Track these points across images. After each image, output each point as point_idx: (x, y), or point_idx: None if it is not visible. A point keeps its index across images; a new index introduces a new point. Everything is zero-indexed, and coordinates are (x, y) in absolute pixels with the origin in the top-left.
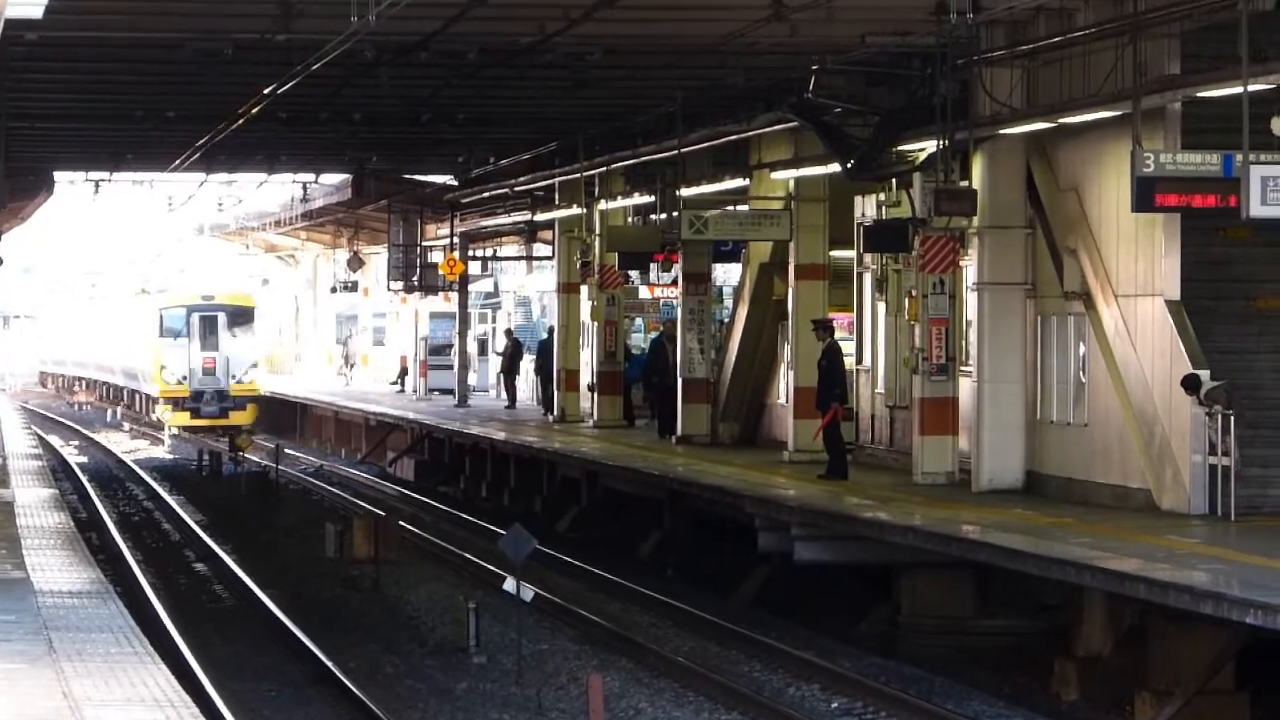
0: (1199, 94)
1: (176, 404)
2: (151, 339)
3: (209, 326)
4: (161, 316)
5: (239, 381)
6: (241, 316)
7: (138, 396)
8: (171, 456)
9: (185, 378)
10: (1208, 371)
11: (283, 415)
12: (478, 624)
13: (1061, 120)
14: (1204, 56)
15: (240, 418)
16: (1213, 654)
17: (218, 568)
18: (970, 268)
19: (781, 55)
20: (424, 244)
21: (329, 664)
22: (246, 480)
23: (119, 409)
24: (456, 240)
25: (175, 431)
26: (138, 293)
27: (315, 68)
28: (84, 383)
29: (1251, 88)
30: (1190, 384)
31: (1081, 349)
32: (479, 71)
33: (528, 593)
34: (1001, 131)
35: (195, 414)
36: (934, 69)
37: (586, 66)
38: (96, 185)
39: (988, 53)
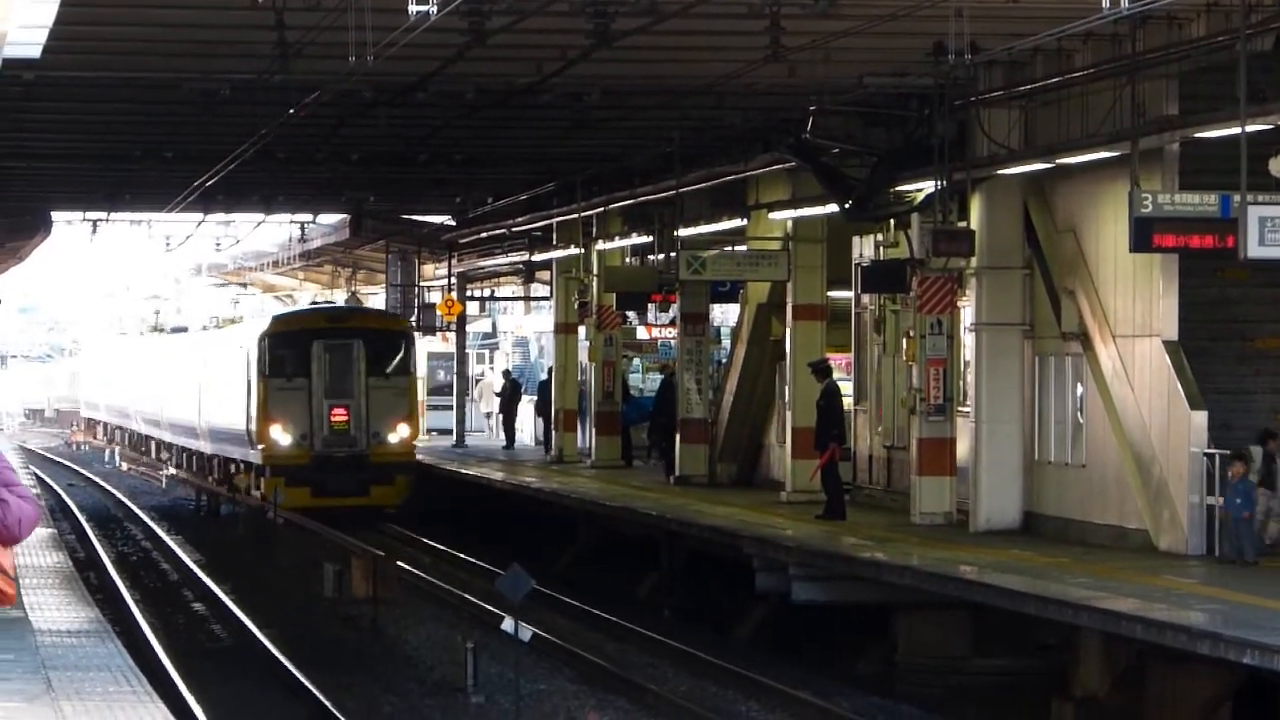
0: (1197, 135)
1: (291, 476)
2: (247, 380)
3: (341, 361)
4: (266, 346)
5: (383, 442)
6: (389, 346)
7: (223, 464)
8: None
9: (305, 437)
10: (1258, 449)
11: None
12: (476, 664)
13: (1059, 161)
14: (1202, 97)
15: (385, 495)
16: (1210, 694)
17: (216, 607)
18: (968, 308)
19: (779, 96)
20: (422, 284)
21: (327, 704)
22: (244, 519)
23: (169, 473)
24: (454, 280)
25: (282, 518)
26: (210, 323)
27: (313, 108)
28: (127, 437)
29: (1249, 128)
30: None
31: (1079, 389)
32: (476, 112)
33: (526, 633)
34: (999, 172)
35: (319, 490)
36: (932, 110)
37: (584, 107)
38: (94, 225)
39: (985, 94)
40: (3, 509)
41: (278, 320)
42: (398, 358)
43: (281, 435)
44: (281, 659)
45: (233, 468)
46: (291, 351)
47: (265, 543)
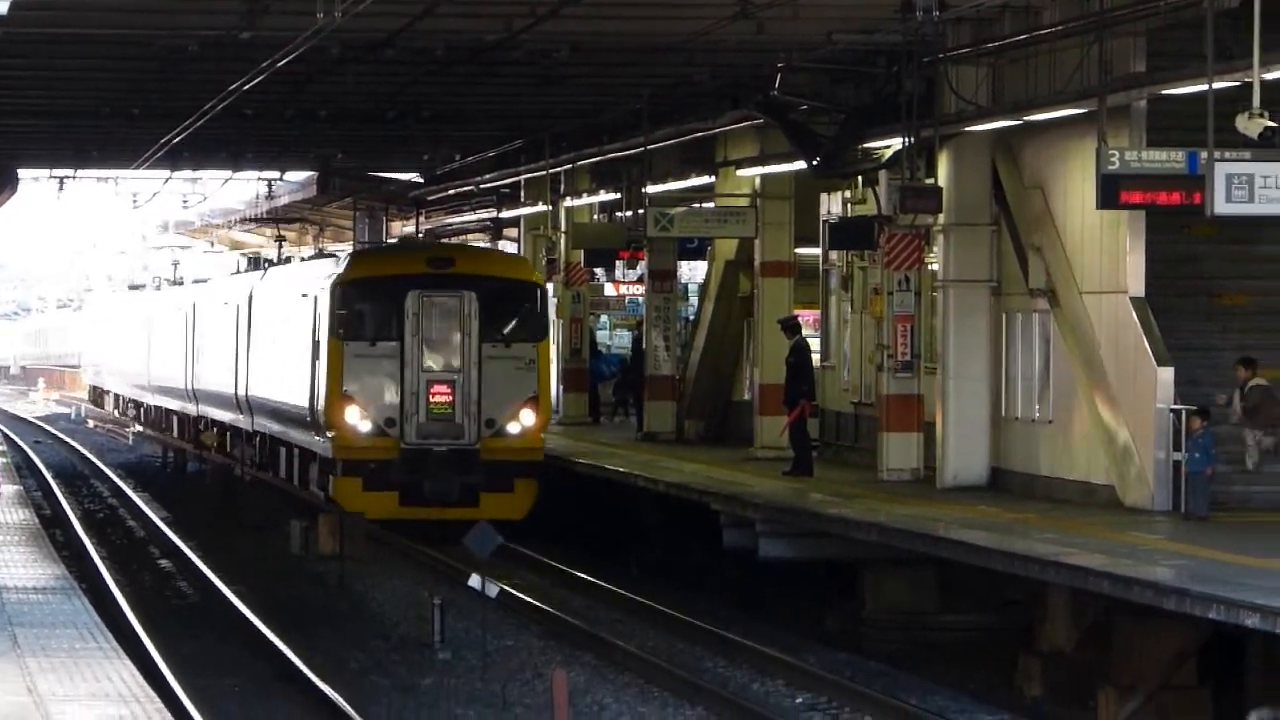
0: (1164, 91)
1: (371, 476)
2: (312, 342)
3: (446, 320)
4: (341, 297)
5: (499, 433)
6: (512, 300)
7: (269, 447)
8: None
9: (393, 424)
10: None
11: None
12: (443, 620)
13: (1027, 118)
14: (1169, 54)
15: (502, 505)
16: (1176, 649)
17: (183, 564)
18: (936, 265)
19: (748, 53)
20: (389, 241)
21: (294, 659)
22: (211, 476)
23: (136, 429)
24: (421, 237)
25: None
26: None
27: (280, 64)
28: (144, 412)
29: (1216, 85)
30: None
31: (1046, 346)
32: (445, 69)
33: (493, 589)
34: (967, 129)
35: (410, 496)
36: (900, 67)
37: (553, 64)
38: (61, 182)
39: (953, 50)
40: None
41: (358, 261)
42: (524, 316)
43: (360, 420)
44: (248, 615)
45: (284, 452)
46: (376, 305)
47: (232, 499)
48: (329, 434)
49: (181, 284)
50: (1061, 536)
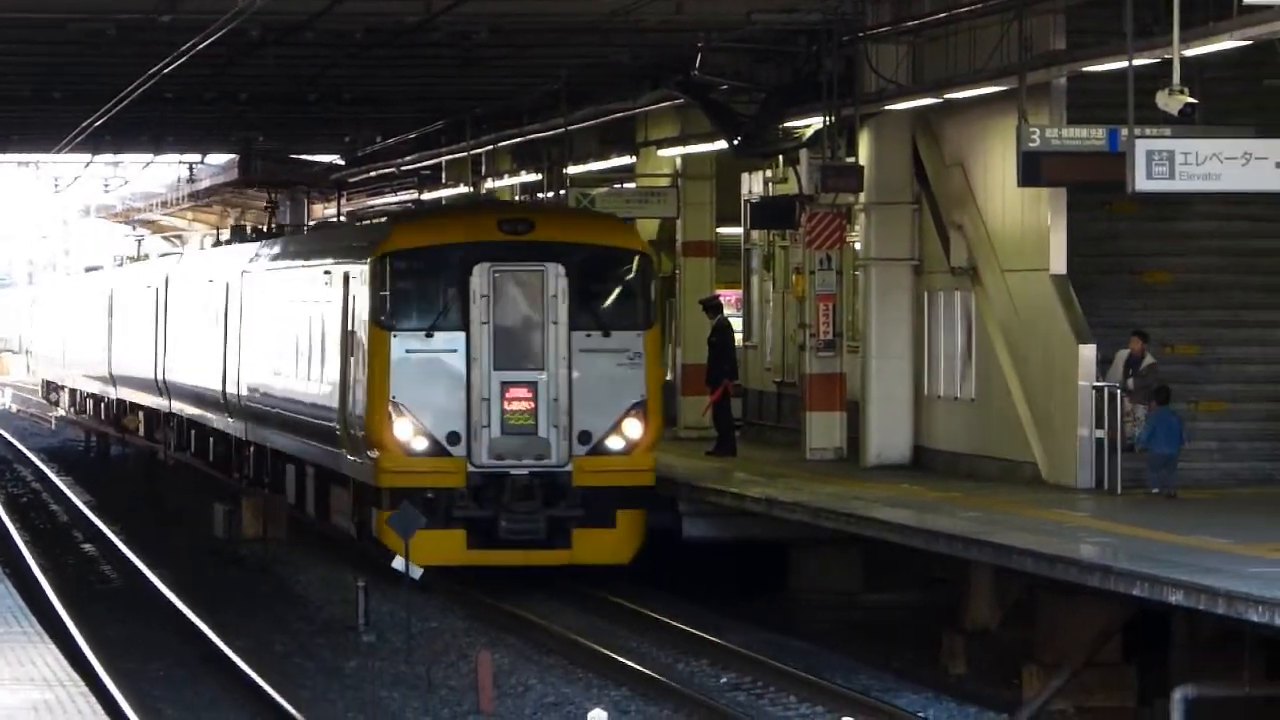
0: (1084, 69)
1: (431, 509)
2: (344, 330)
3: (525, 301)
4: (386, 273)
5: (597, 449)
6: (610, 275)
7: (264, 460)
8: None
9: (455, 438)
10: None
11: None
12: (367, 602)
13: (947, 96)
14: (1089, 32)
15: (600, 546)
16: (1100, 627)
17: (106, 548)
18: (857, 244)
19: (668, 33)
20: (311, 224)
21: (219, 643)
22: (134, 460)
23: (59, 414)
24: (343, 220)
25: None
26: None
27: (201, 48)
28: (104, 408)
29: (1136, 63)
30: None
31: (969, 324)
32: (365, 51)
33: (416, 571)
34: (887, 108)
35: (482, 535)
36: (820, 46)
37: (473, 45)
38: None
39: (873, 29)
40: None
41: (406, 226)
42: (627, 296)
43: (413, 436)
44: (173, 599)
45: (296, 471)
46: (432, 282)
47: (156, 483)
48: (370, 453)
49: (143, 259)
50: (985, 514)
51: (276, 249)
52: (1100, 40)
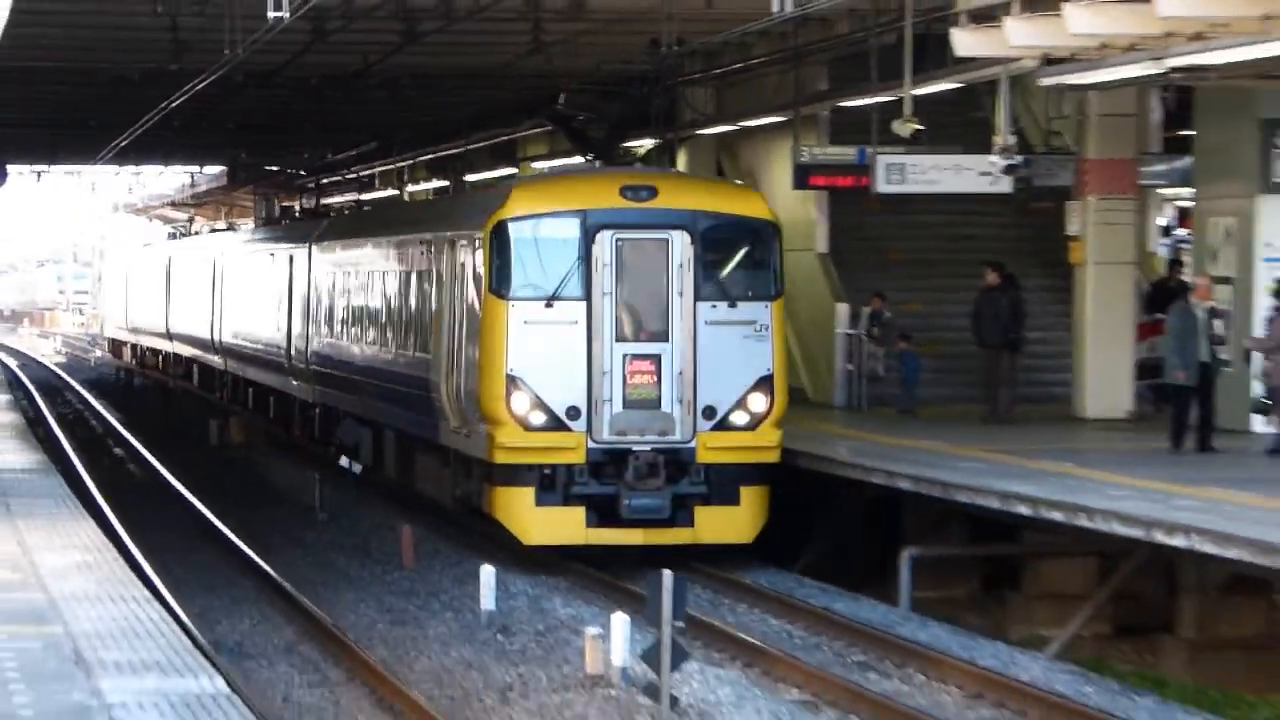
0: (841, 104)
1: (547, 486)
2: (454, 300)
3: (645, 272)
4: (504, 241)
5: (724, 423)
6: (737, 245)
7: (398, 442)
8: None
9: (575, 412)
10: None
11: None
12: (322, 492)
13: (742, 124)
14: (846, 78)
15: (723, 524)
16: (850, 508)
17: (131, 452)
18: None
19: (540, 79)
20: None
21: (215, 521)
22: (153, 387)
23: (97, 355)
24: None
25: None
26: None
27: (199, 88)
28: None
29: (879, 99)
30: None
31: None
32: (320, 92)
33: (357, 468)
34: (698, 133)
35: (604, 514)
36: (649, 88)
37: (399, 88)
38: (39, 174)
39: (688, 76)
40: None
41: (524, 191)
42: (754, 265)
43: (530, 410)
44: (181, 489)
45: (373, 434)
46: (552, 250)
47: (169, 406)
48: (482, 427)
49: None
50: None
51: (346, 225)
52: (853, 83)
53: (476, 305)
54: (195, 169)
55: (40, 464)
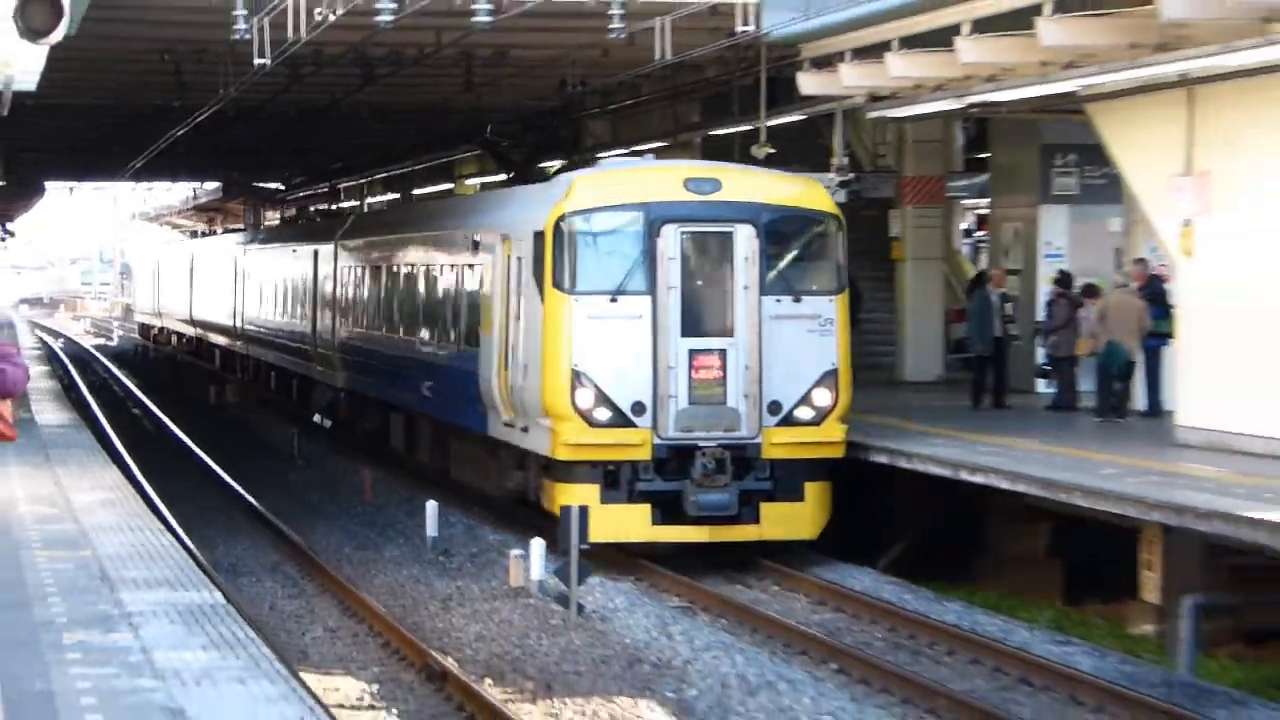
0: (711, 133)
1: (612, 482)
2: (508, 293)
3: (711, 266)
4: (565, 236)
5: (788, 419)
6: (803, 239)
7: (414, 426)
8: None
9: (640, 408)
10: None
11: None
12: (299, 442)
13: (633, 149)
14: (715, 112)
15: (788, 520)
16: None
17: (147, 412)
18: None
19: (472, 113)
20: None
21: (214, 466)
22: (164, 359)
23: (119, 333)
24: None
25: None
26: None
27: (198, 120)
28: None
29: (739, 129)
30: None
31: None
32: (295, 123)
33: (327, 423)
34: (599, 156)
35: (668, 510)
36: (559, 120)
37: (359, 119)
38: (70, 189)
39: (589, 110)
40: (1, 376)
41: (587, 183)
42: (819, 259)
43: (594, 405)
44: (186, 441)
45: (405, 421)
46: (616, 244)
47: (177, 374)
48: (543, 422)
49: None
50: None
51: (374, 222)
52: (720, 116)
53: (538, 300)
54: (196, 184)
55: (73, 421)
